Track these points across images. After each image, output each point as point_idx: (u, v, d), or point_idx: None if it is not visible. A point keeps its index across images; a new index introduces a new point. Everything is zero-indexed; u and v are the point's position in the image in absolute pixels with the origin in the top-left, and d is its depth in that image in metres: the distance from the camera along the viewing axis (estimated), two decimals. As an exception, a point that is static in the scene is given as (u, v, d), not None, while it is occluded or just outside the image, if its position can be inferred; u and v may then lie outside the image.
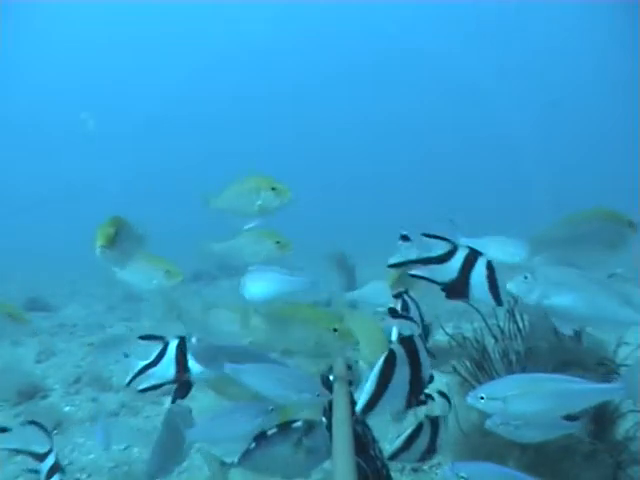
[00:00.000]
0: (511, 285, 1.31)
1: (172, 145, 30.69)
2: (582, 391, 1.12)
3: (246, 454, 1.34)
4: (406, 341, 1.19)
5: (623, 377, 1.13)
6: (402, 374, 1.15)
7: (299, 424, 1.33)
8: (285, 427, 1.34)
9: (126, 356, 1.55)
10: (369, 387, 1.12)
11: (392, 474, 1.48)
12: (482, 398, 1.16)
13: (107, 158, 27.76)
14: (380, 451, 1.40)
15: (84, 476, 2.64)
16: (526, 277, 1.28)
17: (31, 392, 3.60)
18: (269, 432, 1.34)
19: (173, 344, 1.52)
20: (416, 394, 1.18)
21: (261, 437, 1.34)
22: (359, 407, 1.12)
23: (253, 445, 1.34)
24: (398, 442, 1.54)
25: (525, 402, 1.12)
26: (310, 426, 1.33)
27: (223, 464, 1.39)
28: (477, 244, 1.84)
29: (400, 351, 1.16)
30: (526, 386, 1.14)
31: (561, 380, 1.14)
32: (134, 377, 1.52)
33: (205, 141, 30.96)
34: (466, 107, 29.72)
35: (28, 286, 7.02)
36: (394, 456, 1.55)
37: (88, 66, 32.92)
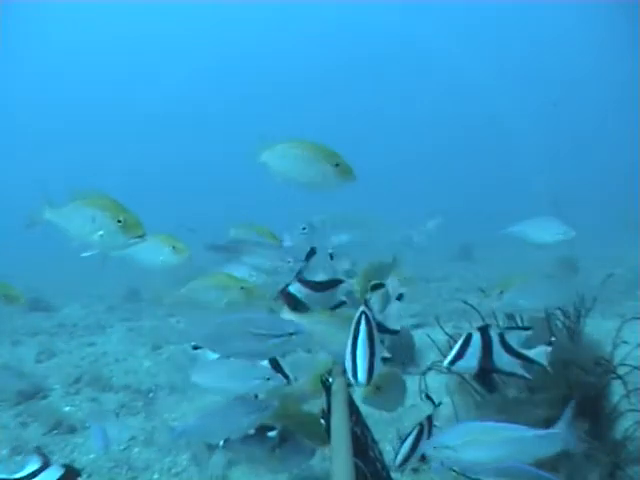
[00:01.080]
0: None
1: (172, 145, 30.66)
2: (524, 439, 1.17)
3: (227, 441, 1.38)
4: (367, 302, 1.20)
5: (560, 423, 1.18)
6: (376, 333, 1.15)
7: (274, 434, 1.36)
8: (262, 432, 1.37)
9: (194, 348, 1.53)
10: (364, 354, 1.09)
11: (392, 474, 1.49)
12: (435, 448, 1.20)
13: (107, 157, 27.78)
14: (380, 452, 1.40)
15: (84, 476, 2.64)
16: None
17: (31, 392, 3.60)
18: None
19: None
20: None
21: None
22: (362, 377, 1.08)
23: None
24: (404, 449, 1.52)
25: (474, 450, 1.17)
26: (284, 438, 1.35)
27: (209, 446, 1.42)
28: (520, 229, 1.91)
29: (370, 311, 1.16)
30: (475, 434, 1.19)
31: (507, 428, 1.20)
32: None
33: (205, 141, 30.93)
34: (465, 106, 29.71)
35: (28, 286, 7.02)
36: (403, 463, 1.53)
37: (88, 66, 32.89)
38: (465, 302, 2.21)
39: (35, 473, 1.24)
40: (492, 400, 1.97)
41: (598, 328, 2.08)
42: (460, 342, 1.33)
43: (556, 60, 28.74)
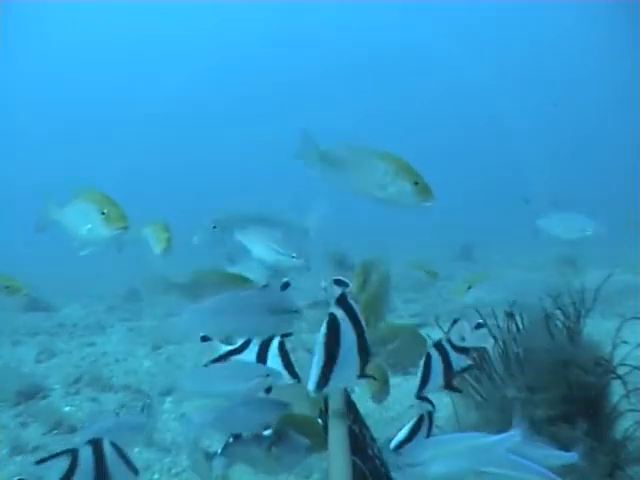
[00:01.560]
0: None
1: (173, 145, 30.65)
2: (482, 446, 1.19)
3: (225, 447, 1.38)
4: (343, 300, 1.03)
5: (515, 427, 1.19)
6: (349, 339, 1.01)
7: (268, 433, 1.37)
8: (257, 432, 1.38)
9: (203, 340, 1.51)
10: (317, 361, 0.98)
11: (391, 473, 1.49)
12: (399, 467, 1.23)
13: (107, 158, 27.77)
14: (379, 450, 1.40)
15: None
16: None
17: (31, 392, 3.60)
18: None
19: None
20: (365, 360, 1.03)
21: (237, 436, 1.38)
22: (311, 385, 0.98)
23: (231, 440, 1.38)
24: (402, 434, 1.55)
25: (439, 464, 1.19)
26: (279, 436, 1.36)
27: (207, 454, 1.43)
28: (548, 223, 1.89)
29: (341, 313, 1.01)
30: (439, 448, 1.21)
31: (467, 438, 1.23)
32: (216, 360, 1.47)
33: (206, 142, 30.93)
34: (464, 106, 29.71)
35: (28, 285, 7.01)
36: (398, 447, 1.55)
37: (88, 66, 32.92)
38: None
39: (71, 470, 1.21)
40: (492, 400, 1.97)
41: (598, 328, 2.08)
42: (422, 368, 1.36)
43: (556, 60, 28.74)
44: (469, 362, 1.43)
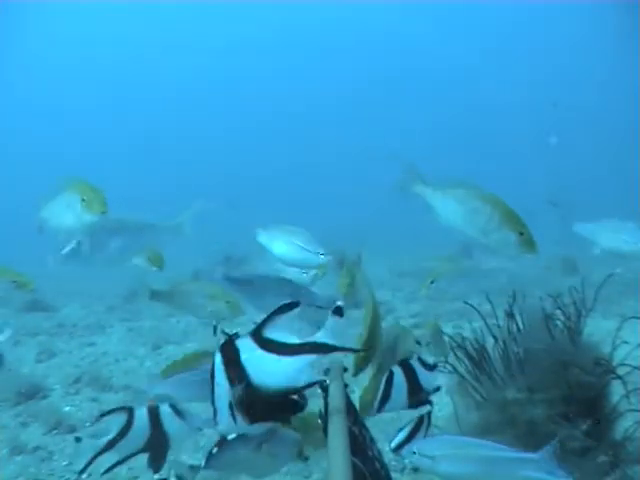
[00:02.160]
0: None
1: (173, 149, 30.65)
2: (504, 459, 1.16)
3: (209, 458, 1.36)
4: (225, 348, 0.99)
5: (544, 450, 1.16)
6: (220, 387, 1.00)
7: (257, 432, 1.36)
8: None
9: (217, 332, 1.50)
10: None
11: (392, 474, 1.48)
12: (414, 453, 1.22)
13: (107, 159, 27.80)
14: (379, 452, 1.40)
15: (84, 476, 2.63)
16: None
17: (31, 392, 3.60)
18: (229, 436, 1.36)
19: None
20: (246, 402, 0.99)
21: (222, 441, 1.36)
22: (221, 428, 1.02)
23: (215, 450, 1.36)
24: (402, 435, 1.54)
25: (451, 464, 1.17)
26: (270, 432, 1.35)
27: (192, 467, 1.41)
28: (590, 229, 1.76)
29: (218, 361, 0.99)
30: (456, 448, 1.19)
31: (488, 447, 1.19)
32: None
33: (207, 143, 30.93)
34: (464, 105, 29.70)
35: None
36: (398, 448, 1.55)
37: (88, 67, 32.94)
38: (465, 302, 2.21)
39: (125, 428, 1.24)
40: (492, 400, 1.97)
41: (598, 328, 2.08)
42: (383, 385, 1.35)
43: (556, 60, 28.74)
44: (439, 385, 1.43)
